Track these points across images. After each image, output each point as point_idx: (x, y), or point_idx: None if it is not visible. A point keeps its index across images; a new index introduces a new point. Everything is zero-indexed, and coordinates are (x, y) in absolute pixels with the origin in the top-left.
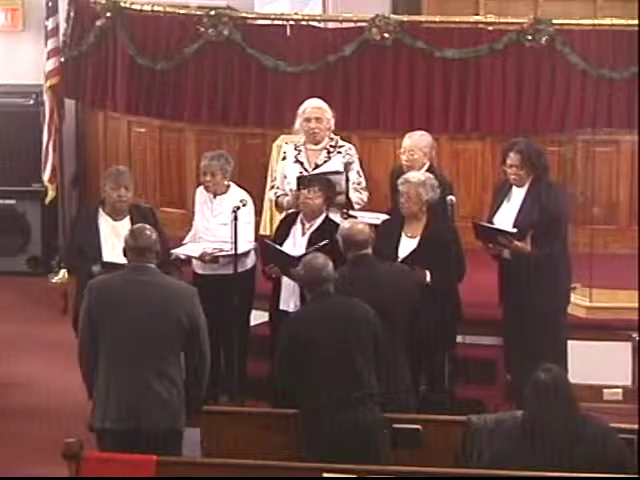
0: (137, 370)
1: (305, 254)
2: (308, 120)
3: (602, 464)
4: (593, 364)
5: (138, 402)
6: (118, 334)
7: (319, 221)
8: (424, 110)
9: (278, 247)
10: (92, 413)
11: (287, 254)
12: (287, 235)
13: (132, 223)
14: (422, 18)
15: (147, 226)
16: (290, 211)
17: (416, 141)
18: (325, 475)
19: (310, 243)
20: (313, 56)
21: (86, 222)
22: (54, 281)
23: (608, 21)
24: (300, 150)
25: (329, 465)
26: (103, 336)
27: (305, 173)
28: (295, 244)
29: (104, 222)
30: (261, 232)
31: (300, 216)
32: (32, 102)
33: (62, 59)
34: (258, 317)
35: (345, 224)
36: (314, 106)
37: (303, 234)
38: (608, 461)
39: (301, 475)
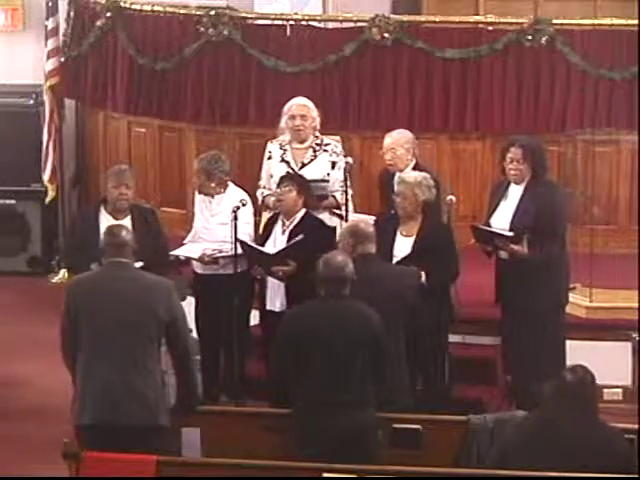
0: (113, 365)
1: (280, 251)
2: (293, 117)
3: (610, 470)
4: (593, 364)
5: (113, 397)
6: (95, 329)
7: (298, 218)
8: (424, 110)
9: (254, 246)
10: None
11: (263, 252)
12: (270, 235)
13: (133, 223)
14: (422, 18)
15: (124, 224)
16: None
17: (396, 138)
18: (325, 475)
19: (290, 240)
20: (313, 56)
21: (87, 221)
22: (54, 281)
23: (608, 21)
24: (286, 149)
25: (329, 465)
26: (81, 332)
27: (292, 172)
28: (275, 242)
29: (105, 221)
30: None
31: (281, 215)
32: (32, 102)
33: (62, 59)
34: (258, 317)
35: (349, 222)
36: (299, 104)
37: (283, 232)
38: (616, 468)
39: (301, 475)
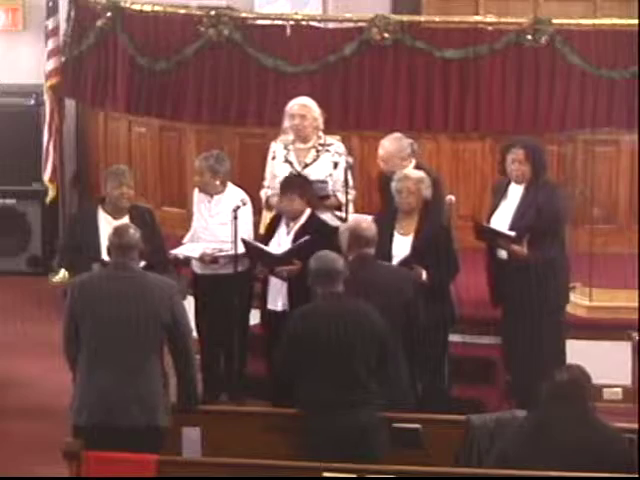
0: (113, 366)
1: (286, 252)
2: (292, 117)
3: (609, 469)
4: (593, 364)
5: (113, 398)
6: (96, 330)
7: (303, 219)
8: (424, 110)
9: (259, 246)
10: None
11: (268, 252)
12: (273, 235)
13: (131, 222)
14: (422, 18)
15: (131, 224)
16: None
17: (388, 149)
18: (325, 475)
19: (295, 241)
20: (313, 56)
21: (85, 221)
22: (54, 281)
23: (608, 21)
24: (289, 149)
25: (329, 465)
26: (83, 333)
27: (294, 172)
28: (280, 243)
29: (104, 221)
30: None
31: (284, 217)
32: (32, 102)
33: (62, 59)
34: (257, 316)
35: (351, 221)
36: (299, 104)
37: (288, 233)
38: (615, 467)
39: (301, 475)
